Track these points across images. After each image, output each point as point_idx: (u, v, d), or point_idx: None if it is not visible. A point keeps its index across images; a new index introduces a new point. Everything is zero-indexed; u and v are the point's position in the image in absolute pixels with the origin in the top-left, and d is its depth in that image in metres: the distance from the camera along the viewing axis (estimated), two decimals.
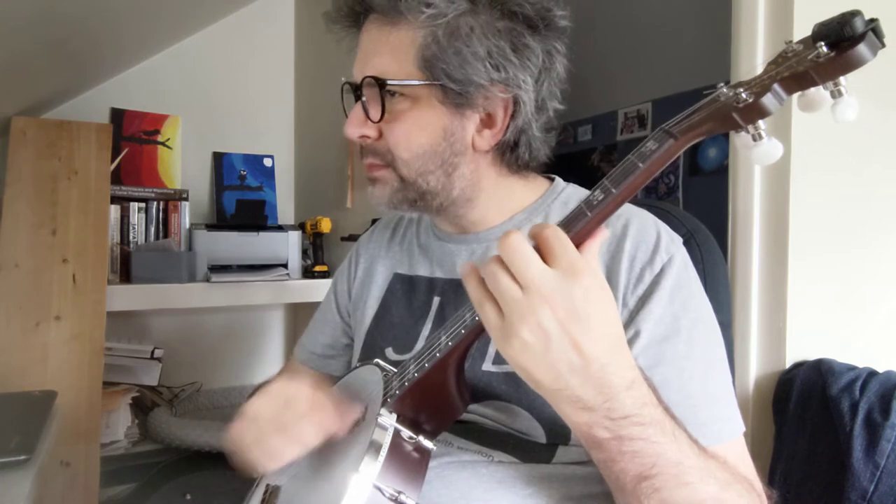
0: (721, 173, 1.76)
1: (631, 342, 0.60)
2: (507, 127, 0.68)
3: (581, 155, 2.38)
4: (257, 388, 0.82)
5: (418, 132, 0.66)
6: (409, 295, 0.78)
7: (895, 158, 1.03)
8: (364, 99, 0.67)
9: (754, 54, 0.97)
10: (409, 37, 0.64)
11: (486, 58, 0.63)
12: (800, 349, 0.96)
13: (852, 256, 1.01)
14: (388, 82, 0.64)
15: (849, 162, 1.00)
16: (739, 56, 1.00)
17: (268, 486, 0.70)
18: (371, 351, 0.77)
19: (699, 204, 1.91)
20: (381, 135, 0.68)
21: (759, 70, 0.45)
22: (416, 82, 0.64)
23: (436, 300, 0.75)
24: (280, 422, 0.59)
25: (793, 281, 0.95)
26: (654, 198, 2.06)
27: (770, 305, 0.97)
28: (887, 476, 0.81)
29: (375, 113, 0.66)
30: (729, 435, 0.60)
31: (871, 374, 0.88)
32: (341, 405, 0.61)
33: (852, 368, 0.91)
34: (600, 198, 0.48)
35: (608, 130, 2.30)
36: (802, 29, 0.93)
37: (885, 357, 0.99)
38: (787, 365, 0.96)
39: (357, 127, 0.68)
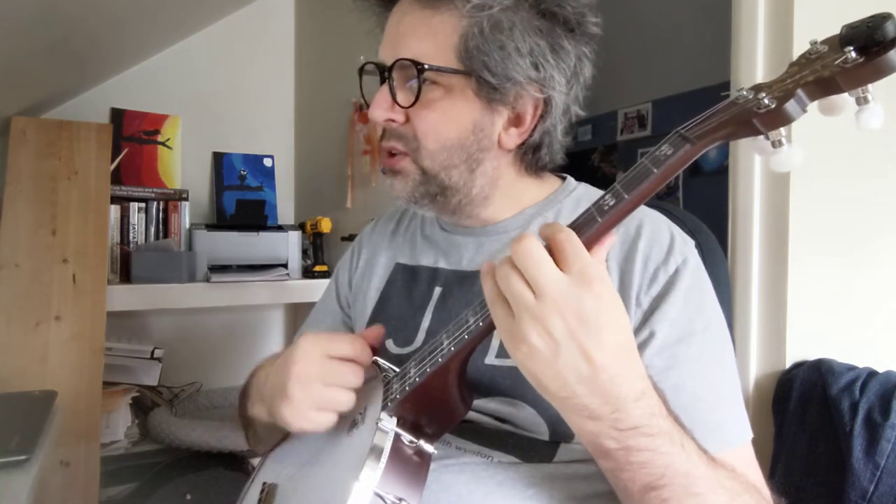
0: (721, 173, 1.75)
1: (645, 343, 0.60)
2: (535, 127, 0.67)
3: (581, 155, 2.38)
4: (255, 370, 0.80)
5: (449, 123, 0.65)
6: (409, 285, 0.77)
7: (895, 159, 1.03)
8: (393, 82, 0.65)
9: (754, 54, 0.97)
10: (452, 24, 0.62)
11: (528, 55, 0.63)
12: (800, 349, 0.96)
13: (852, 256, 1.01)
14: (426, 66, 0.62)
15: (849, 162, 0.99)
16: (739, 56, 1.00)
17: (264, 484, 0.69)
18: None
19: (699, 204, 1.91)
20: (407, 119, 0.66)
21: (760, 71, 0.44)
22: (455, 70, 0.63)
23: (437, 290, 0.74)
24: (326, 374, 0.59)
25: (793, 281, 0.95)
26: (654, 198, 2.06)
27: (770, 305, 0.97)
28: (887, 476, 0.80)
29: (405, 98, 0.64)
30: (738, 439, 0.59)
31: (871, 374, 0.88)
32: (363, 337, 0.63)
33: (852, 368, 0.91)
34: (611, 203, 0.47)
35: (608, 130, 2.29)
36: (803, 29, 0.93)
37: (885, 357, 0.98)
38: (787, 365, 0.96)
39: (384, 110, 0.65)
